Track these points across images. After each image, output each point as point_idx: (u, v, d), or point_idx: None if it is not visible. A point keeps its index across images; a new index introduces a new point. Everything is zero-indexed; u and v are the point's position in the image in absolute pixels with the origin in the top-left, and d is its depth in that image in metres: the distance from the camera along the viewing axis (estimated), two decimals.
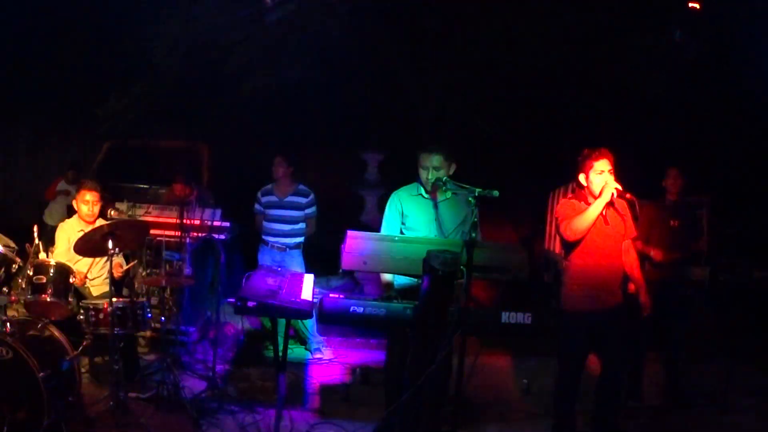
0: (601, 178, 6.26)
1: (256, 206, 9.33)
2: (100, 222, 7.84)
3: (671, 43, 11.26)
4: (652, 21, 11.71)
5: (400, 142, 12.62)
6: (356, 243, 5.16)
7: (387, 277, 6.28)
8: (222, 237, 9.07)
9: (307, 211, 9.24)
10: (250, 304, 5.36)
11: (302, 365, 9.01)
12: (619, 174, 6.33)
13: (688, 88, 12.49)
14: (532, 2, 11.83)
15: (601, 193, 6.21)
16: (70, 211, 8.20)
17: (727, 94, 12.74)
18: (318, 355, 9.41)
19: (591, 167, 6.33)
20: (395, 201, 6.46)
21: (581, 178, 6.42)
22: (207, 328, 9.32)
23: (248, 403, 7.35)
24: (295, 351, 9.44)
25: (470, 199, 5.03)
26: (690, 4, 9.62)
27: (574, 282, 6.51)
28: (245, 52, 12.50)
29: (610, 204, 6.27)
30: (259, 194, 9.35)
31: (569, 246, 6.49)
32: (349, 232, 5.20)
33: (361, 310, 5.00)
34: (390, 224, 6.41)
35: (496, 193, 4.98)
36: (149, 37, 13.14)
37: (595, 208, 6.22)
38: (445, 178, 6.07)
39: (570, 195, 6.83)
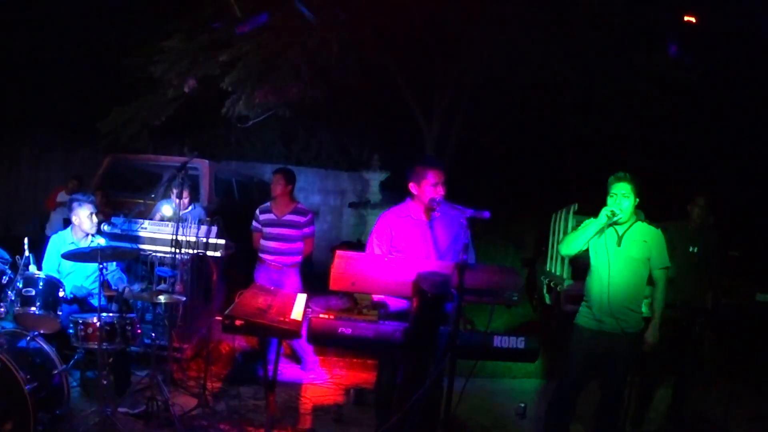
0: (612, 200, 6.33)
1: (254, 224, 9.30)
2: (93, 237, 7.81)
3: (673, 62, 11.25)
4: (654, 40, 11.71)
5: (402, 161, 12.64)
6: (344, 263, 5.09)
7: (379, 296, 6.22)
8: (217, 254, 9.02)
9: (305, 230, 9.20)
10: (238, 322, 5.28)
11: (296, 385, 8.93)
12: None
13: (690, 106, 12.48)
14: (536, 23, 11.79)
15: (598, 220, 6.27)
16: (66, 224, 8.14)
17: (731, 114, 12.73)
18: (312, 375, 9.32)
19: (609, 189, 6.39)
20: (384, 222, 6.35)
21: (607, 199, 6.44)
22: (201, 345, 9.24)
23: (238, 422, 7.28)
24: (290, 370, 9.38)
25: (461, 220, 4.95)
26: (685, 18, 9.59)
27: (585, 299, 6.57)
28: (245, 69, 12.49)
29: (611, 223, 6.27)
30: (257, 212, 9.32)
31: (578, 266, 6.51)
32: (338, 252, 5.12)
33: (349, 331, 4.91)
34: (377, 245, 6.30)
35: (486, 214, 4.90)
36: (151, 52, 13.18)
37: (589, 229, 6.32)
38: (438, 199, 6.00)
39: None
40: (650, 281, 6.53)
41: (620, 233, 6.34)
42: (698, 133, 13.53)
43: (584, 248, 6.45)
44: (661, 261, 6.47)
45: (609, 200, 6.35)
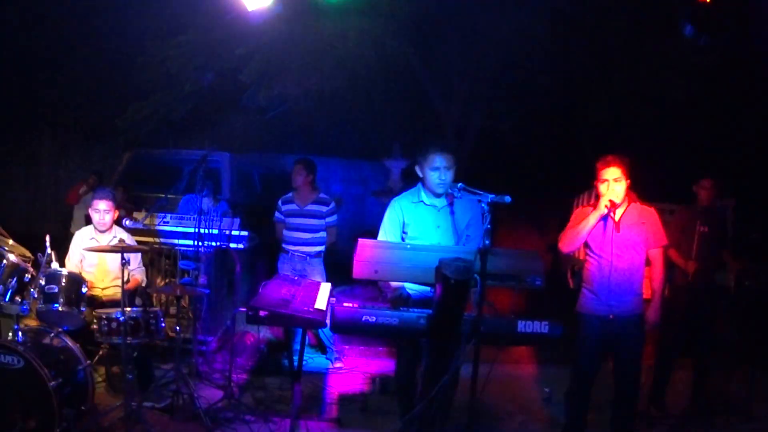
0: (604, 186, 6.33)
1: (277, 214, 9.29)
2: (115, 231, 7.83)
3: (689, 46, 11.13)
4: (670, 24, 11.60)
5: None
6: (367, 251, 5.07)
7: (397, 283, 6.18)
8: (240, 246, 9.02)
9: (328, 219, 9.19)
10: (262, 313, 5.27)
11: (321, 374, 8.94)
12: (641, 178, 6.28)
13: (709, 91, 12.38)
14: (552, 9, 11.71)
15: (596, 205, 6.28)
16: (88, 220, 8.16)
17: (748, 96, 12.60)
18: (338, 364, 9.33)
19: (599, 176, 6.36)
20: (396, 209, 6.30)
21: (599, 186, 6.39)
22: (226, 338, 9.25)
23: (264, 413, 7.26)
24: (315, 360, 9.39)
25: (483, 205, 4.90)
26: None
27: (586, 286, 6.55)
28: (263, 60, 12.46)
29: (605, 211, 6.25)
30: (279, 202, 9.30)
31: (585, 251, 6.48)
32: (360, 240, 5.11)
33: (373, 319, 4.89)
34: (389, 233, 6.24)
35: (508, 199, 4.87)
36: (168, 47, 13.17)
37: (588, 222, 6.35)
38: (459, 184, 5.95)
39: (592, 201, 6.73)
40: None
41: (617, 218, 6.30)
42: (718, 116, 13.42)
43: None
44: (658, 239, 6.48)
45: (601, 187, 6.34)
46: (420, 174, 6.22)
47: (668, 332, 7.98)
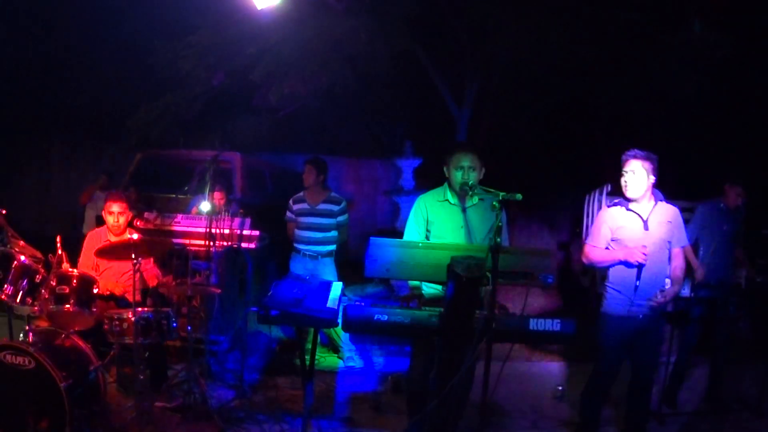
0: (624, 179, 6.38)
1: (288, 214, 9.30)
2: (128, 233, 7.85)
3: (700, 41, 11.12)
4: (681, 19, 11.58)
5: (434, 148, 12.53)
6: (379, 250, 5.04)
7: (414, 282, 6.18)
8: (251, 246, 9.02)
9: (339, 218, 9.18)
10: (273, 312, 5.26)
11: (333, 374, 8.94)
12: (659, 174, 6.29)
13: (719, 86, 12.35)
14: (563, 5, 11.69)
15: (625, 256, 6.30)
16: (99, 221, 8.17)
17: (759, 91, 12.57)
18: (350, 364, 9.32)
19: (622, 166, 6.38)
20: (421, 207, 6.29)
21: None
22: (238, 337, 9.25)
23: (276, 413, 7.27)
24: (328, 359, 9.39)
25: (494, 203, 4.89)
26: None
27: (612, 285, 6.49)
28: (273, 60, 12.46)
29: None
30: (290, 202, 9.31)
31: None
32: (372, 239, 5.09)
33: (385, 318, 4.86)
34: (414, 230, 6.26)
35: (519, 196, 4.85)
36: (178, 48, 13.19)
37: (610, 260, 6.43)
38: (472, 182, 5.95)
39: (614, 201, 6.70)
40: None
41: (645, 217, 6.31)
42: (730, 110, 13.39)
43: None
44: (681, 240, 6.48)
45: (622, 179, 6.40)
46: (446, 173, 6.25)
47: (688, 331, 8.02)
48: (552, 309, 12.95)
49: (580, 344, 6.20)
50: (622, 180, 6.36)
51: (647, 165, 6.25)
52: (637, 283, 6.23)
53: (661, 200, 6.44)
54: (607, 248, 6.47)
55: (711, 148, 13.83)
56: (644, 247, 6.14)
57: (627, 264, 6.26)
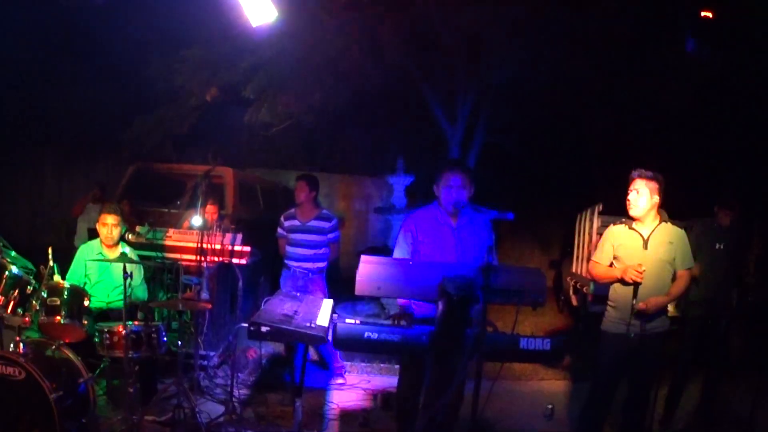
0: (628, 197, 6.41)
1: (279, 230, 9.29)
2: (121, 247, 7.87)
3: (691, 56, 11.18)
4: (672, 34, 11.64)
5: (426, 165, 12.54)
6: (370, 268, 5.05)
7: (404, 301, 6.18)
8: (242, 262, 9.03)
9: (330, 236, 9.18)
10: (264, 328, 5.26)
11: (323, 390, 8.93)
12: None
13: (711, 102, 12.42)
14: (554, 21, 11.74)
15: (621, 274, 6.33)
16: (91, 233, 8.18)
17: (755, 107, 12.62)
18: (340, 381, 9.32)
19: (629, 185, 6.43)
20: (410, 225, 6.28)
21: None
22: (228, 353, 9.24)
23: (265, 429, 7.29)
24: (317, 376, 9.37)
25: (486, 222, 4.91)
26: (702, 14, 9.51)
27: (611, 303, 6.54)
28: (266, 76, 12.49)
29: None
30: (281, 218, 9.31)
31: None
32: (363, 257, 5.09)
33: (375, 336, 4.87)
34: (403, 248, 6.24)
35: (510, 215, 4.88)
36: (172, 62, 13.21)
37: (609, 277, 6.50)
38: (462, 201, 5.97)
39: (620, 219, 6.72)
40: None
41: (645, 236, 6.33)
42: (722, 127, 13.44)
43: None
44: (686, 262, 6.45)
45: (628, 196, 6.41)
46: (436, 192, 6.26)
47: (684, 350, 8.07)
48: (549, 329, 12.98)
49: (571, 363, 6.21)
50: (627, 198, 6.39)
51: (652, 185, 6.28)
52: (633, 302, 6.22)
53: (665, 221, 6.46)
54: (610, 265, 6.51)
55: (705, 163, 13.90)
56: (640, 265, 6.14)
57: (624, 282, 6.29)
